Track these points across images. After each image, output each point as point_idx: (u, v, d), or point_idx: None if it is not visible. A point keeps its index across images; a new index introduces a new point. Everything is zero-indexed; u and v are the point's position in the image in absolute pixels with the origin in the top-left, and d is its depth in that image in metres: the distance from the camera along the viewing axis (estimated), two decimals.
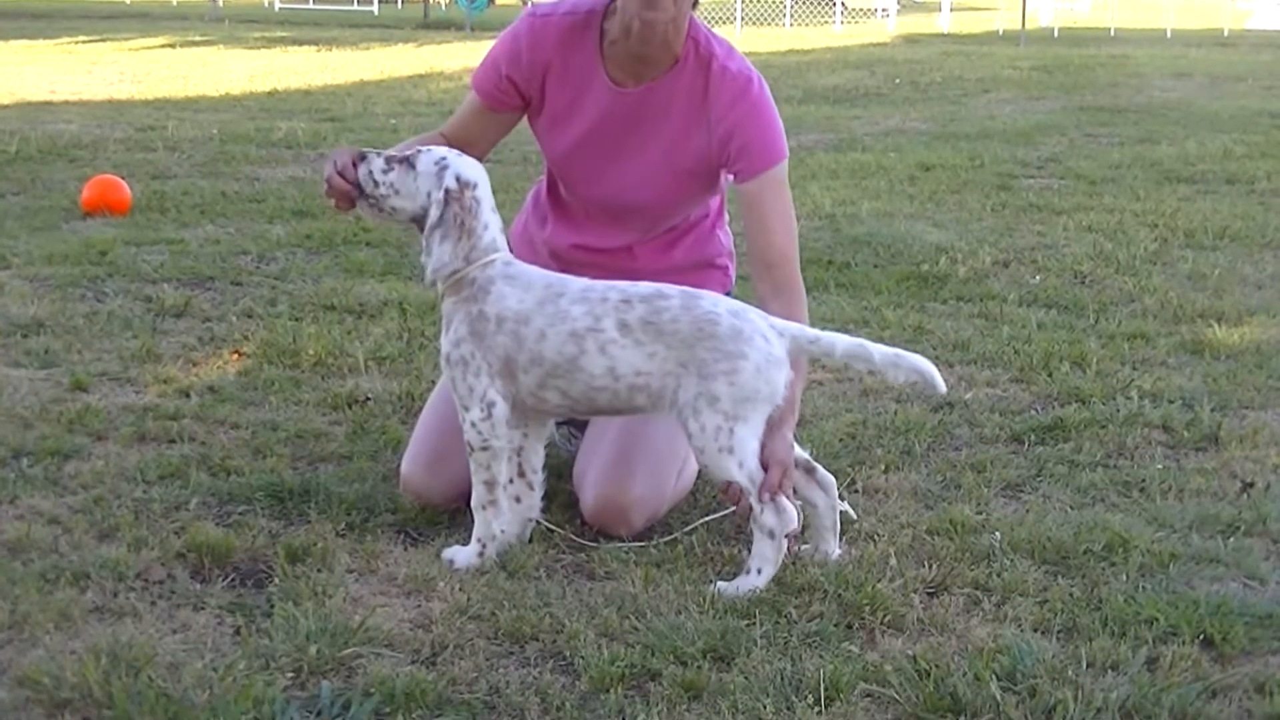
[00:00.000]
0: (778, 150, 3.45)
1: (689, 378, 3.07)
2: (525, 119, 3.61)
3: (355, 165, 3.20)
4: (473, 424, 3.17)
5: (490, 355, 3.14)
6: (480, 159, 3.35)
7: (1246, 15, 33.26)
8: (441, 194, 3.13)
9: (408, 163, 3.18)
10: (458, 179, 3.15)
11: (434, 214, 3.13)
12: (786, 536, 3.08)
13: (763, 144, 3.43)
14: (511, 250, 3.27)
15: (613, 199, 3.56)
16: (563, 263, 3.52)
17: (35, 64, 16.67)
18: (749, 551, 3.11)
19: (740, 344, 3.05)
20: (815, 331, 3.17)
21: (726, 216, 3.79)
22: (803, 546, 3.24)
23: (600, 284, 3.17)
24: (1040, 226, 7.41)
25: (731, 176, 3.49)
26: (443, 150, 3.21)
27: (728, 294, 3.49)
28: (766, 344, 3.07)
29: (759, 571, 3.07)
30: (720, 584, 3.06)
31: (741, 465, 3.07)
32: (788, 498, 3.10)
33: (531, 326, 3.12)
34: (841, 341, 3.15)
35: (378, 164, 3.19)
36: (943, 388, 3.17)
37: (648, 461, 3.38)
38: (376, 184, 3.18)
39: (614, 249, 3.62)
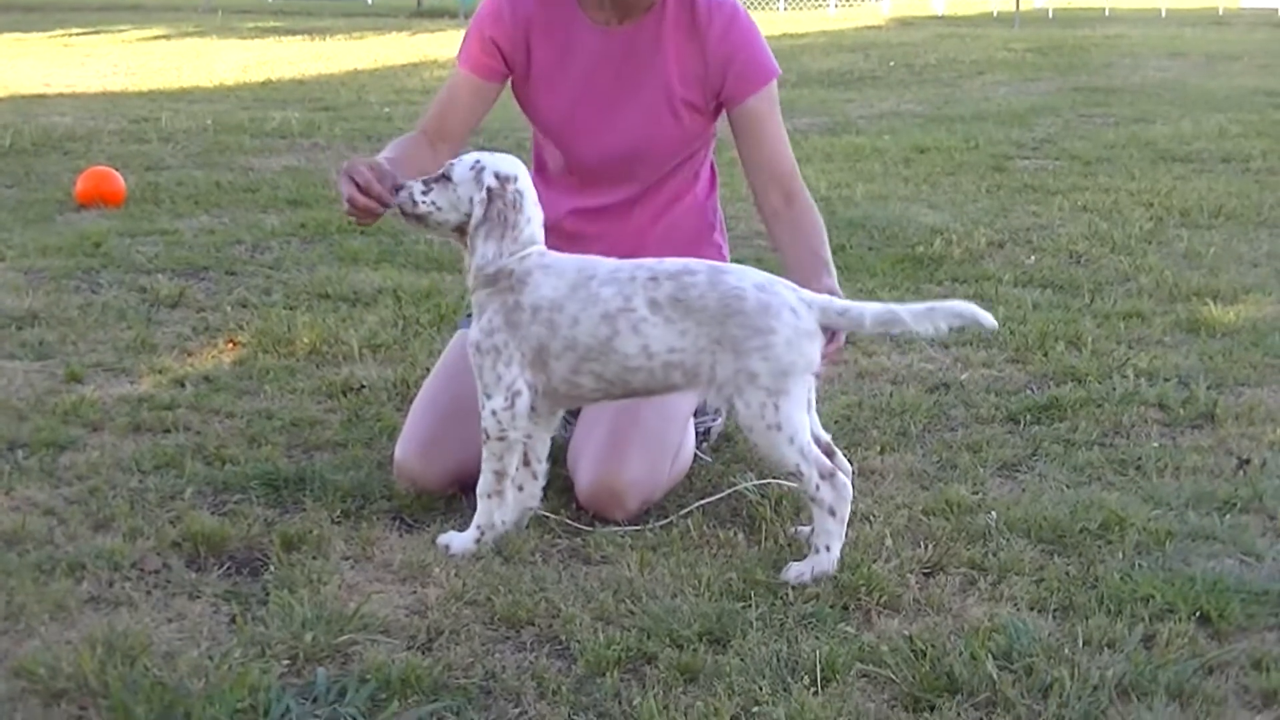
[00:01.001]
0: (771, 68, 3.57)
1: (724, 354, 3.05)
2: (512, 92, 3.64)
3: (393, 190, 3.17)
4: (493, 412, 3.16)
5: (524, 345, 3.14)
6: (458, 145, 3.40)
7: None
8: (484, 193, 3.12)
9: (444, 178, 3.17)
10: (497, 175, 3.14)
11: (478, 213, 3.12)
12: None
13: (757, 64, 3.54)
14: None
15: (614, 148, 3.58)
16: (559, 235, 3.54)
17: (29, 57, 16.64)
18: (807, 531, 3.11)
19: (769, 319, 3.03)
20: (844, 302, 3.12)
21: (718, 196, 3.79)
22: (801, 528, 3.24)
23: (628, 263, 3.16)
24: (1035, 207, 7.41)
25: (725, 107, 3.55)
26: (473, 154, 3.20)
27: None
28: (795, 317, 3.04)
29: (827, 549, 3.06)
30: (793, 565, 3.05)
31: (792, 441, 3.05)
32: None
33: (565, 313, 3.11)
34: (870, 310, 3.09)
35: (417, 188, 3.17)
36: (991, 322, 3.06)
37: (642, 444, 3.37)
38: (416, 204, 3.17)
39: (611, 205, 3.64)
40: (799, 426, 3.05)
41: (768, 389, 3.03)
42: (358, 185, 3.17)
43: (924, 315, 3.07)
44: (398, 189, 3.19)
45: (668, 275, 3.10)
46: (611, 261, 3.18)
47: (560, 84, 3.56)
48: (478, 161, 3.17)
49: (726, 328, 3.04)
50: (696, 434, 3.71)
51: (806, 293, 3.10)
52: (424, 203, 3.16)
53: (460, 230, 3.19)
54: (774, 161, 3.55)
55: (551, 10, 3.54)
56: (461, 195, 3.15)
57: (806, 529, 3.21)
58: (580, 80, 3.55)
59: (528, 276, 3.14)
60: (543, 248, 3.20)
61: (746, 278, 3.09)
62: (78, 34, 20.65)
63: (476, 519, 3.21)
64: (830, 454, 3.16)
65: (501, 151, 3.26)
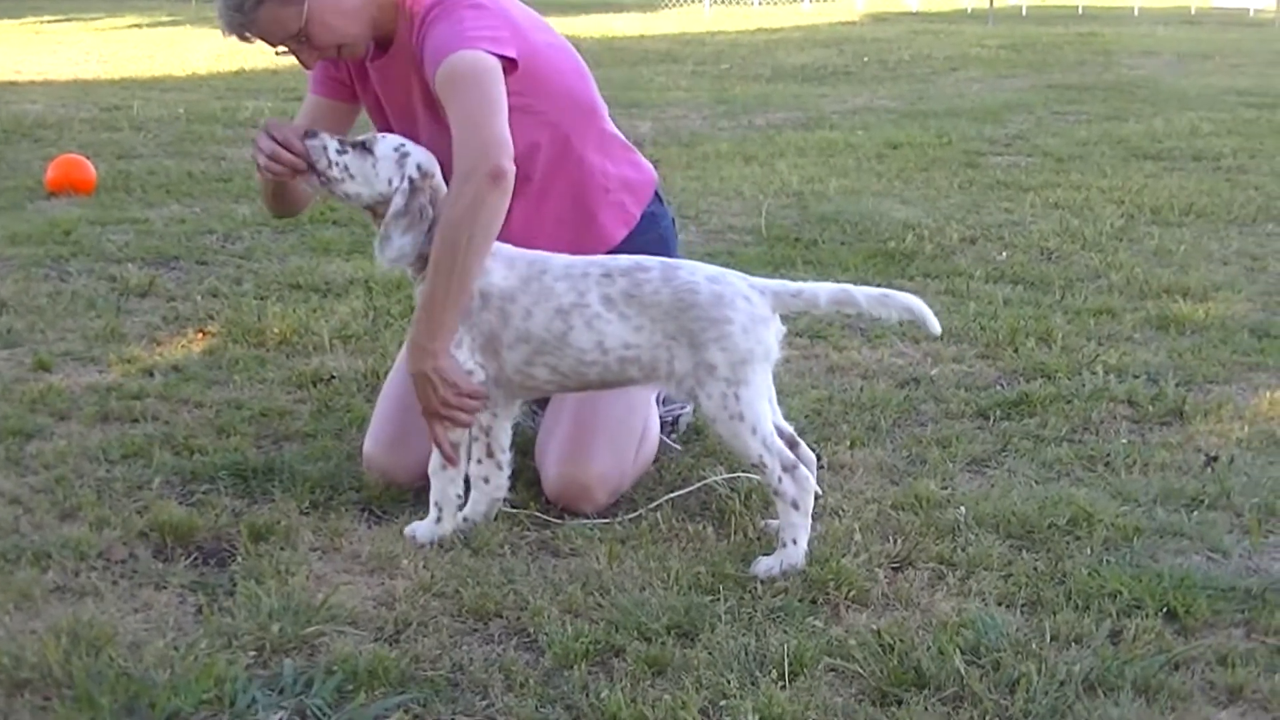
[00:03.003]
0: (444, 48, 3.17)
1: (681, 349, 3.07)
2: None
3: (305, 136, 3.12)
4: None
5: (474, 331, 3.13)
6: None
7: None
8: (406, 183, 3.10)
9: (363, 147, 3.13)
10: (419, 168, 3.12)
11: (398, 202, 3.09)
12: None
13: (430, 50, 3.20)
14: None
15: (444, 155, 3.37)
16: None
17: (0, 44, 16.54)
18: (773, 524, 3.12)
19: (723, 309, 3.04)
20: (797, 285, 3.14)
21: (628, 157, 3.64)
22: (770, 522, 3.24)
23: (581, 259, 3.16)
24: (1007, 203, 7.42)
25: None
26: (398, 137, 3.17)
27: (630, 231, 3.54)
28: (749, 304, 3.06)
29: (794, 542, 3.06)
30: (762, 560, 3.05)
31: (755, 431, 3.06)
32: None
33: (518, 304, 3.11)
34: (824, 291, 3.12)
35: (332, 144, 3.13)
36: (936, 327, 3.13)
37: (607, 435, 3.37)
38: (331, 164, 3.12)
39: None
40: (761, 416, 3.06)
41: (727, 379, 3.04)
42: (277, 142, 3.12)
43: (878, 300, 3.12)
44: (310, 134, 3.13)
45: (621, 271, 3.11)
46: (563, 257, 3.18)
47: (382, 118, 3.50)
48: (403, 145, 3.14)
49: (682, 322, 3.05)
50: (664, 422, 3.72)
51: (759, 280, 3.14)
52: (336, 163, 3.11)
53: (372, 211, 3.16)
54: (457, 147, 3.14)
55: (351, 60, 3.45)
56: (380, 173, 3.11)
57: (775, 523, 3.20)
58: (385, 111, 3.48)
59: None
60: None
61: (699, 272, 3.12)
62: (49, 21, 20.53)
63: (433, 496, 3.20)
64: (793, 445, 3.18)
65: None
